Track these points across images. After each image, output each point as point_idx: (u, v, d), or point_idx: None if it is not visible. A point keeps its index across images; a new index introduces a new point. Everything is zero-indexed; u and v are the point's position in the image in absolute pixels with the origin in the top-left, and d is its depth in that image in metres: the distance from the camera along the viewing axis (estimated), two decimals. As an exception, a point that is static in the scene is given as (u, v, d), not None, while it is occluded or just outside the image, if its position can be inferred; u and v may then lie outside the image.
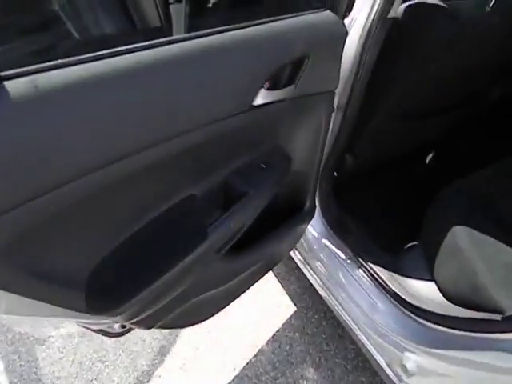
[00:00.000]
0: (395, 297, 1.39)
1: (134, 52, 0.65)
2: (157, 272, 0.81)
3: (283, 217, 1.34)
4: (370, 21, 1.17)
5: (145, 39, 0.71)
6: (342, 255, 1.57)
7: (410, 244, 1.56)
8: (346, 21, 1.13)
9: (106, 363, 1.66)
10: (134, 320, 0.89)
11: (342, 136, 1.49)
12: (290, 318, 1.84)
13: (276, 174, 1.06)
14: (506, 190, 1.44)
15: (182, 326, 1.18)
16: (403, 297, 1.37)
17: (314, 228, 1.65)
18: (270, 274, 2.01)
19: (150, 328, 0.99)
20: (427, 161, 2.17)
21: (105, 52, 0.62)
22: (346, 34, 0.99)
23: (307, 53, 0.91)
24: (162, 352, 1.70)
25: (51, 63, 0.54)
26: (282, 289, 1.96)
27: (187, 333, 1.74)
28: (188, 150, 0.80)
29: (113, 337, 1.09)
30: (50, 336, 1.74)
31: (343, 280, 1.51)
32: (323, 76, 1.03)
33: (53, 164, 0.55)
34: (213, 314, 1.26)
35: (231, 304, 1.34)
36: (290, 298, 1.92)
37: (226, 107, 0.81)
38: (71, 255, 0.70)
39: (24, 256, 0.61)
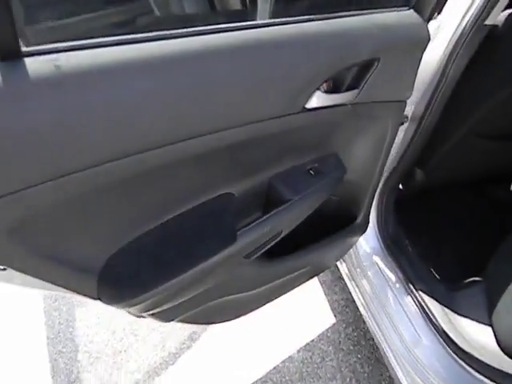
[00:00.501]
0: (443, 335, 1.25)
1: (180, 37, 0.60)
2: (176, 269, 0.77)
3: (333, 226, 1.25)
4: (462, 26, 1.03)
5: (224, 21, 0.67)
6: (392, 277, 1.44)
7: (472, 279, 1.40)
8: (434, 23, 1.00)
9: (138, 337, 1.69)
10: (150, 312, 0.87)
11: (413, 148, 1.35)
12: (328, 329, 1.75)
13: (325, 183, 0.97)
14: None
15: (207, 323, 1.15)
16: (452, 337, 1.23)
17: (367, 242, 1.53)
18: (315, 281, 1.92)
19: (169, 321, 0.96)
20: (512, 188, 1.94)
21: (145, 35, 0.57)
22: (429, 39, 0.87)
23: (378, 56, 0.81)
24: (192, 338, 1.69)
25: (77, 43, 0.51)
26: (324, 297, 1.87)
27: (221, 325, 1.71)
28: (230, 146, 0.75)
29: (137, 316, 1.08)
30: (90, 300, 1.80)
31: (388, 304, 1.39)
32: (395, 83, 0.92)
33: (68, 148, 0.52)
34: (241, 315, 1.21)
35: (269, 305, 1.29)
36: (332, 308, 1.83)
37: (274, 107, 0.74)
38: (88, 241, 0.68)
39: (36, 237, 0.60)
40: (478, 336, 1.23)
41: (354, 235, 1.31)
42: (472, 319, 1.27)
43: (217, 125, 0.68)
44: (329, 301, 1.86)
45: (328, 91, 0.81)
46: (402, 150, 1.35)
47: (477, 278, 1.39)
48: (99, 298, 0.73)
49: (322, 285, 1.92)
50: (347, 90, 0.85)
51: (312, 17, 0.76)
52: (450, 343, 1.21)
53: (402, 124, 1.23)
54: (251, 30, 0.68)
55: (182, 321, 1.01)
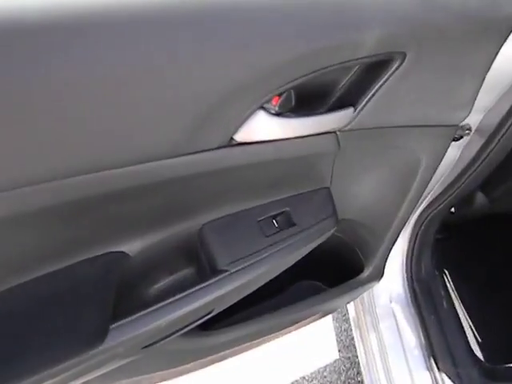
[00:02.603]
0: None
1: None
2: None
3: (331, 275, 0.89)
4: None
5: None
6: (411, 340, 1.08)
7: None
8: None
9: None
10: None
11: (478, 171, 0.91)
12: (326, 367, 1.41)
13: (299, 239, 0.60)
14: None
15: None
16: None
17: (387, 281, 1.15)
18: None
19: None
20: None
21: None
22: None
23: (401, 49, 0.42)
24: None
25: None
26: (331, 324, 1.52)
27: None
28: (120, 191, 0.42)
29: None
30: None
31: (396, 375, 1.03)
32: (437, 99, 0.51)
33: None
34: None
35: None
36: (337, 340, 1.47)
37: (169, 141, 0.40)
38: None
39: None
40: None
41: (361, 287, 0.94)
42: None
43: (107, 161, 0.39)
44: (336, 329, 1.51)
45: (283, 112, 0.42)
46: (455, 172, 0.92)
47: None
48: None
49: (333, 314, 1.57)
50: (332, 109, 0.45)
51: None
52: None
53: (462, 138, 0.80)
54: None
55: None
